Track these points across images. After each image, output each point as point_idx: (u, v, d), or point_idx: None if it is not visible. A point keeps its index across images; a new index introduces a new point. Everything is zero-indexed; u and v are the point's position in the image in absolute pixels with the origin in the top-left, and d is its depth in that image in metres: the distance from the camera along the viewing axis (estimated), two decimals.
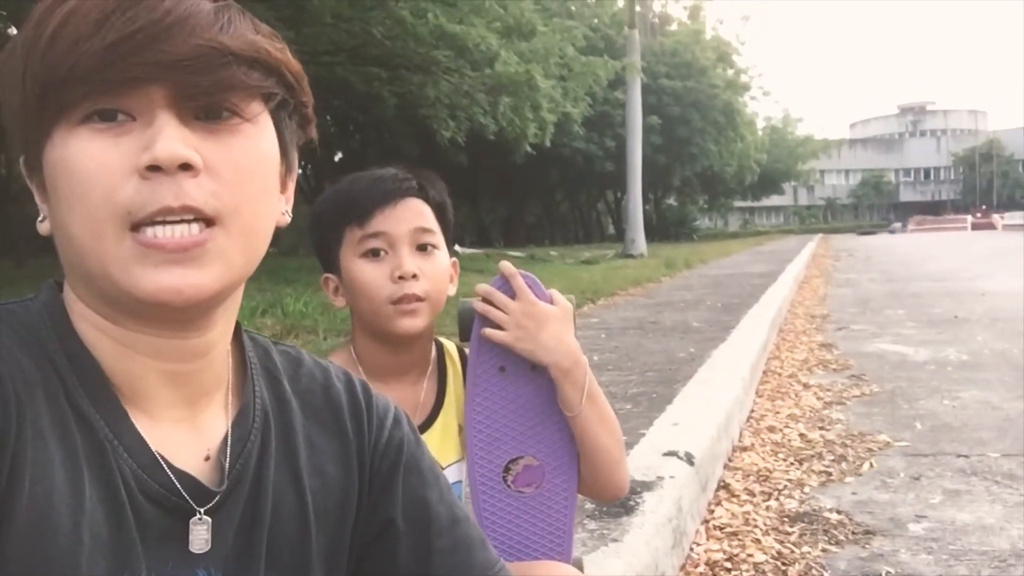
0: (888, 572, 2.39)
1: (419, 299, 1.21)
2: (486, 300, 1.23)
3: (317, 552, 0.75)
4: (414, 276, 1.20)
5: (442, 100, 13.66)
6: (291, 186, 0.77)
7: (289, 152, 0.74)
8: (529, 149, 16.03)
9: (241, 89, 0.65)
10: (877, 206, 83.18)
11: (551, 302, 1.23)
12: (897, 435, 3.85)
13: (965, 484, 3.14)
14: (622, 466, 1.27)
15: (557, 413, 1.25)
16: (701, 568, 2.44)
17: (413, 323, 1.22)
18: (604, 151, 29.03)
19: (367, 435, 0.80)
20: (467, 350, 1.31)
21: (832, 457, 3.56)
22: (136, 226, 0.63)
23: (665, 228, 38.52)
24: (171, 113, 0.63)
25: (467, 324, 1.26)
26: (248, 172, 0.66)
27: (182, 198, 0.63)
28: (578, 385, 1.21)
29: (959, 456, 3.50)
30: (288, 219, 0.76)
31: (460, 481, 1.29)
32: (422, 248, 1.23)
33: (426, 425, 1.26)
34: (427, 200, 1.25)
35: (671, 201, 44.77)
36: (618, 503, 2.36)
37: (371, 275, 1.21)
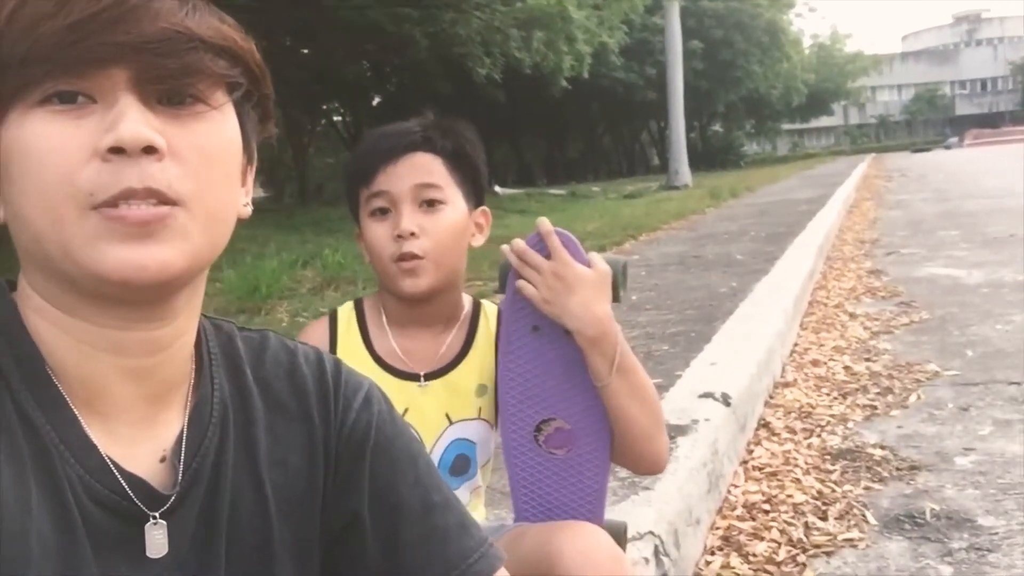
0: (933, 509, 2.32)
1: (418, 257, 1.18)
2: (520, 257, 1.19)
3: (283, 548, 0.72)
4: (412, 234, 1.17)
5: (474, 38, 13.42)
6: (251, 179, 0.75)
7: (250, 144, 0.72)
8: (566, 83, 15.75)
9: (207, 75, 0.64)
10: (932, 121, 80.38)
11: (589, 265, 1.16)
12: (946, 364, 3.74)
13: (1017, 413, 3.03)
14: (656, 441, 1.22)
15: (589, 380, 1.21)
16: (739, 511, 2.40)
17: (415, 283, 1.18)
18: (645, 80, 28.41)
19: (333, 419, 0.77)
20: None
21: (877, 390, 3.47)
22: (97, 208, 0.61)
23: (711, 156, 37.79)
24: (134, 96, 0.62)
25: (504, 277, 1.22)
26: (212, 158, 0.65)
27: (146, 180, 0.61)
28: (606, 356, 1.15)
29: (1011, 384, 3.38)
30: (249, 211, 0.74)
31: (473, 441, 1.25)
32: (430, 203, 1.19)
33: (435, 376, 1.23)
34: (435, 151, 1.20)
35: (717, 128, 43.85)
36: None
37: (376, 234, 1.20)
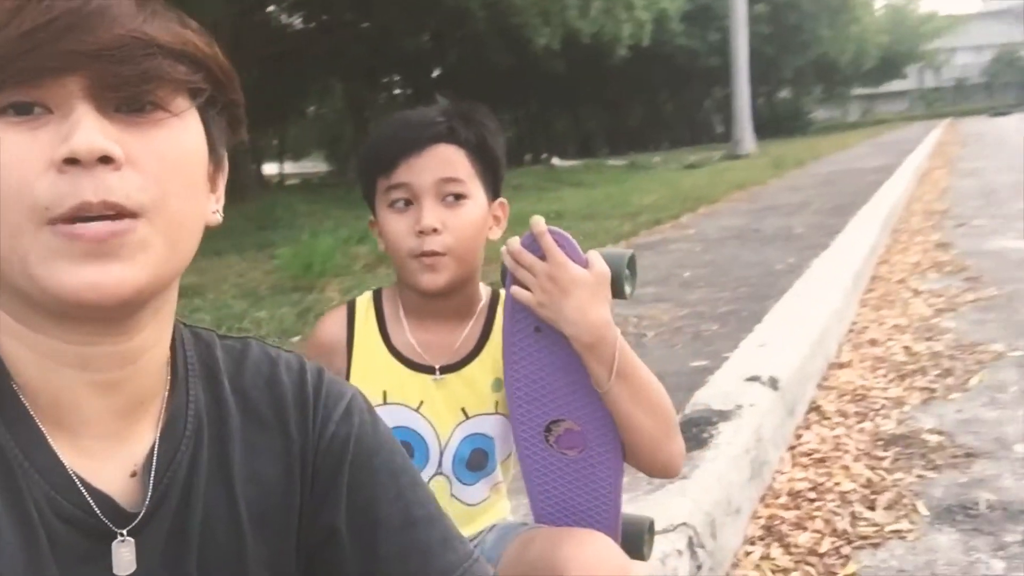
0: (988, 499, 2.23)
1: (439, 254, 1.15)
2: (514, 258, 1.14)
3: (257, 564, 0.71)
4: (435, 230, 1.15)
5: (531, 8, 13.29)
6: (221, 186, 0.73)
7: (217, 150, 0.71)
8: (625, 51, 15.50)
9: (166, 82, 0.63)
10: (1012, 84, 76.81)
11: (586, 265, 1.11)
12: (1012, 344, 3.58)
13: None
14: (667, 446, 1.16)
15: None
16: (783, 499, 2.34)
17: (434, 279, 1.16)
18: (708, 46, 27.78)
19: (311, 431, 0.75)
20: None
21: (938, 371, 3.34)
22: (54, 223, 0.60)
23: (778, 123, 36.80)
24: (90, 105, 0.60)
25: (505, 277, 1.18)
26: (173, 165, 0.64)
27: (102, 193, 0.59)
28: (603, 362, 1.11)
29: None
30: (219, 218, 0.72)
31: (490, 436, 1.23)
32: (451, 198, 1.16)
33: (451, 369, 1.21)
34: (459, 143, 1.17)
35: (784, 94, 42.69)
36: (690, 436, 2.28)
37: (395, 227, 1.17)
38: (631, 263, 1.16)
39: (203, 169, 0.68)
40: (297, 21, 20.23)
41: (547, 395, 1.17)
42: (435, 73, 25.94)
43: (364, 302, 1.27)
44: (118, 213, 0.60)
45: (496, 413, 1.22)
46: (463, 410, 1.21)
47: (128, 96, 0.61)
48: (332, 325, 1.24)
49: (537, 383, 1.17)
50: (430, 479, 1.20)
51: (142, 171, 0.61)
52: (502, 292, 1.27)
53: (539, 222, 1.11)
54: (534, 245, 1.12)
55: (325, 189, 17.25)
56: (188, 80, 0.64)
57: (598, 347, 1.10)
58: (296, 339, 3.76)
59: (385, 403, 1.19)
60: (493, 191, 1.23)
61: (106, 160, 0.59)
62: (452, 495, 1.22)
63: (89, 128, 0.59)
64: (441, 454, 1.21)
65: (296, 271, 5.30)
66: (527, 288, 1.12)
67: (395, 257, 1.19)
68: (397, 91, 28.03)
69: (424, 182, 1.15)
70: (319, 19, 18.65)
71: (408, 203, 1.16)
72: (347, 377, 1.19)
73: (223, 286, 5.34)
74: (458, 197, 1.16)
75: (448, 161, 1.16)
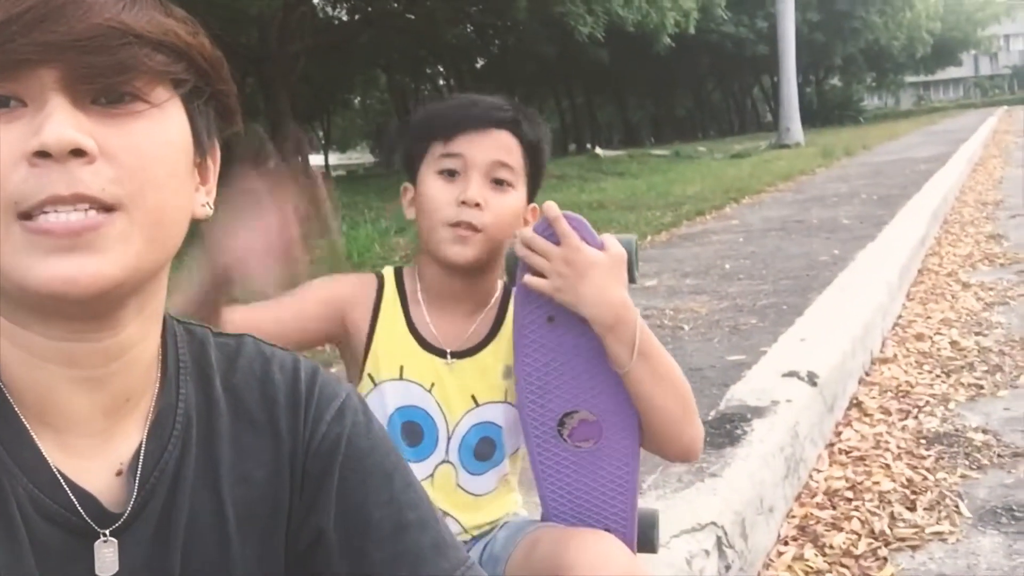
0: None
1: (475, 229, 1.16)
2: (528, 245, 1.15)
3: (243, 565, 0.69)
4: (477, 205, 1.16)
5: None
6: (213, 178, 0.71)
7: (204, 142, 0.69)
8: (670, 40, 15.30)
9: (143, 72, 0.61)
10: None
11: (602, 248, 1.11)
12: None
13: None
14: (688, 428, 1.16)
15: (612, 367, 1.16)
16: (819, 498, 2.28)
17: (462, 251, 1.17)
18: (755, 33, 27.34)
19: (302, 431, 0.73)
20: None
21: (986, 367, 3.24)
22: (26, 216, 0.59)
23: (828, 112, 36.10)
24: (64, 97, 0.59)
25: (512, 270, 1.18)
26: (152, 157, 0.62)
27: (74, 186, 0.58)
28: (624, 342, 1.11)
29: None
30: (209, 212, 0.71)
31: (499, 425, 1.23)
32: (497, 183, 1.18)
33: (462, 355, 1.22)
34: (519, 136, 1.20)
35: (835, 82, 41.88)
36: (723, 432, 2.23)
37: (439, 192, 1.18)
38: (635, 248, 1.16)
39: (186, 161, 0.66)
40: (342, 13, 20.36)
41: (561, 386, 1.16)
42: (479, 64, 25.92)
43: (390, 276, 1.27)
44: (92, 206, 0.59)
45: (505, 401, 1.23)
46: (473, 397, 1.22)
47: (103, 87, 0.60)
48: (365, 286, 1.25)
49: (551, 373, 1.16)
50: (436, 466, 1.20)
51: (118, 163, 0.60)
52: (514, 290, 1.26)
53: (552, 207, 1.12)
54: (547, 231, 1.12)
55: (370, 179, 17.35)
56: (168, 71, 0.62)
57: (618, 327, 1.10)
58: None
59: (401, 378, 1.20)
60: (532, 193, 1.25)
61: (79, 153, 0.58)
62: (458, 484, 1.21)
63: (60, 121, 0.58)
64: (449, 439, 1.21)
65: (333, 263, 5.32)
66: (542, 276, 1.12)
67: (427, 223, 1.19)
68: (441, 82, 28.08)
69: (479, 158, 1.17)
70: (364, 10, 18.74)
71: (454, 174, 1.18)
72: (368, 340, 1.20)
73: None
74: (505, 183, 1.18)
75: (506, 147, 1.19)
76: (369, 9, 18.57)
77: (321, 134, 32.26)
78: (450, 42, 19.72)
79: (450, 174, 1.17)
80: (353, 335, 1.21)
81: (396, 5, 17.66)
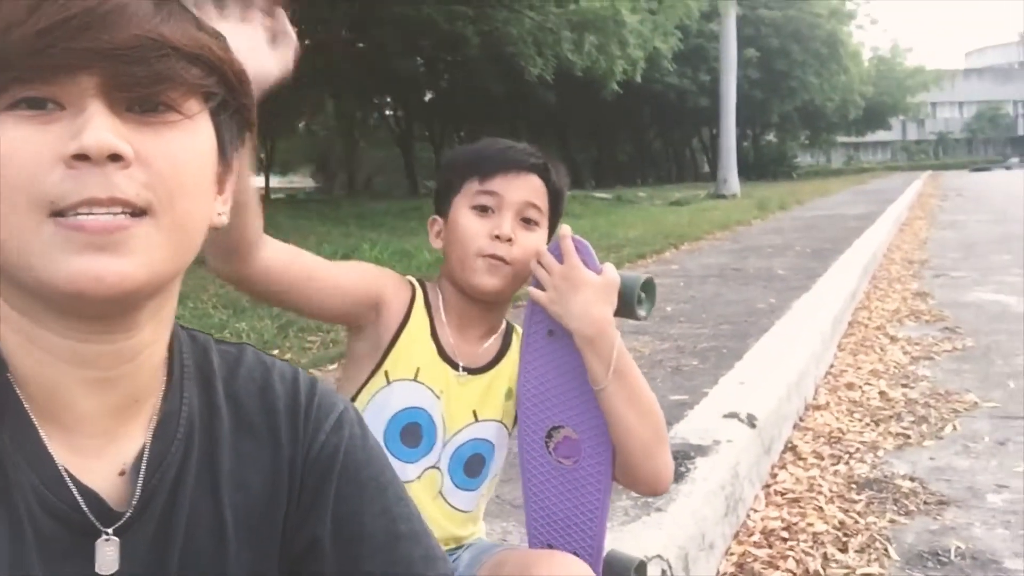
0: (958, 547, 2.25)
1: (504, 262, 1.24)
2: (538, 260, 1.26)
3: (239, 569, 0.70)
4: (509, 240, 1.24)
5: (526, 38, 13.41)
6: (229, 188, 0.73)
7: (227, 153, 0.71)
8: (617, 87, 15.64)
9: (179, 84, 0.63)
10: (993, 141, 78.29)
11: (599, 272, 1.22)
12: (986, 395, 3.62)
13: None
14: (658, 457, 1.22)
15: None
16: (755, 537, 2.35)
17: (491, 281, 1.24)
18: (698, 86, 28.14)
19: (301, 440, 0.75)
20: None
21: (912, 418, 3.37)
22: (58, 215, 0.60)
23: (763, 166, 37.24)
24: (102, 103, 0.61)
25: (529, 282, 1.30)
26: (182, 167, 0.64)
27: (110, 190, 0.60)
28: (601, 357, 1.19)
29: None
30: (225, 220, 0.72)
31: (492, 443, 1.29)
32: (526, 221, 1.27)
33: (474, 372, 1.29)
34: (548, 183, 1.29)
35: (770, 138, 43.23)
36: None
37: (473, 226, 1.26)
38: (647, 286, 1.25)
39: (211, 171, 0.68)
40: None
41: (553, 398, 1.25)
42: (427, 96, 26.05)
43: (418, 284, 1.32)
44: (124, 210, 0.60)
45: (500, 422, 1.29)
46: (475, 412, 1.28)
47: (140, 96, 0.62)
48: (404, 286, 1.30)
49: (545, 384, 1.25)
50: (425, 470, 1.24)
51: (151, 170, 0.62)
52: (516, 325, 1.37)
53: (565, 228, 1.24)
54: (558, 250, 1.23)
55: (311, 204, 17.21)
56: (201, 84, 0.64)
57: (597, 341, 1.18)
58: (275, 352, 3.73)
59: (416, 379, 1.25)
60: (549, 235, 1.34)
61: (115, 158, 0.60)
62: (440, 492, 1.25)
63: (100, 126, 0.60)
64: (444, 447, 1.25)
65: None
66: (545, 289, 1.23)
67: (459, 252, 1.26)
68: (389, 112, 28.12)
69: (513, 198, 1.26)
70: (314, 36, 18.74)
71: (487, 210, 1.25)
72: (395, 337, 1.24)
73: (203, 295, 5.29)
74: (532, 223, 1.28)
75: (537, 190, 1.29)
76: (321, 35, 18.56)
77: (263, 156, 31.91)
78: (400, 73, 19.79)
79: (483, 209, 1.26)
80: (381, 327, 1.25)
81: (346, 33, 17.71)
